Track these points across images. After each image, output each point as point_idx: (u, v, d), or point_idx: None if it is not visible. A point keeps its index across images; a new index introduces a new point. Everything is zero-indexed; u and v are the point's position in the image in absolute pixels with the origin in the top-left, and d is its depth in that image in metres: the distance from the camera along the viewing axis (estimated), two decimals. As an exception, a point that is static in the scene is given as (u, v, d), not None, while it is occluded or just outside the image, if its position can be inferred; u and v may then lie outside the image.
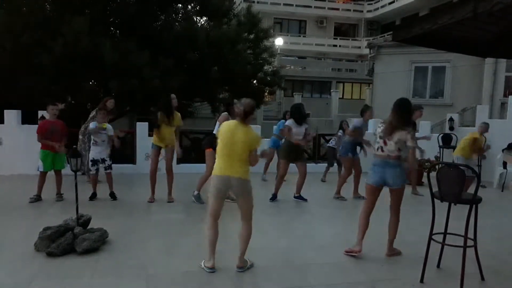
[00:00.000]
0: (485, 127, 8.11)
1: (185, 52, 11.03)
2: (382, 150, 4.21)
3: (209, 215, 3.87)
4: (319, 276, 3.84)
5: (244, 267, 3.89)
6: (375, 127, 4.38)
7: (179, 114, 6.49)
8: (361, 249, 4.32)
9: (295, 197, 6.86)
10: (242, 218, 3.89)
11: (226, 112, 6.03)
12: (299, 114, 6.62)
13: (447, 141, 9.60)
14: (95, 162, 6.47)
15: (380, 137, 4.23)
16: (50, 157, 6.29)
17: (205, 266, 3.85)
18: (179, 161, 9.09)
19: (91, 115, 7.53)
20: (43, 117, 7.92)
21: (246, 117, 3.79)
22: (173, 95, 6.40)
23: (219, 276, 3.74)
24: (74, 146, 5.44)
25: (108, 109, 7.17)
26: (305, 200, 6.81)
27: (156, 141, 6.36)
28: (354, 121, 7.02)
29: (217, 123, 5.92)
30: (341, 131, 8.25)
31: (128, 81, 9.64)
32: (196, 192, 6.40)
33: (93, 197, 6.50)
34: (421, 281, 3.72)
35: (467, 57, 7.93)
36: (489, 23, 3.83)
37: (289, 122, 6.66)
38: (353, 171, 7.12)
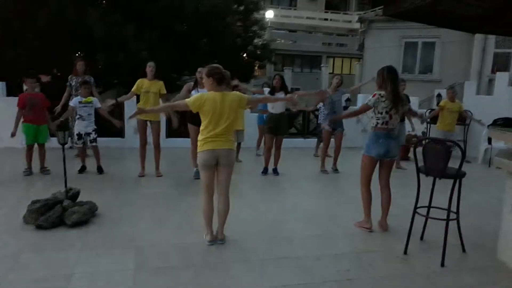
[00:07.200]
0: (452, 93, 8.28)
1: (172, 24, 10.79)
2: (387, 124, 4.19)
3: (205, 190, 3.80)
4: (305, 247, 3.92)
5: (225, 238, 3.95)
6: (368, 100, 4.28)
7: (161, 82, 6.35)
8: (372, 226, 4.37)
9: (272, 169, 6.92)
10: (221, 191, 3.86)
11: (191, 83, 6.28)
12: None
13: (434, 117, 9.68)
14: (80, 136, 6.45)
15: (387, 112, 4.15)
16: (33, 130, 6.22)
17: (206, 239, 3.88)
18: (169, 135, 9.04)
19: (68, 83, 7.54)
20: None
21: (222, 82, 3.76)
22: (150, 63, 6.31)
23: (206, 248, 3.80)
24: (62, 119, 5.35)
25: (79, 74, 7.28)
26: (277, 173, 6.87)
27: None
28: None
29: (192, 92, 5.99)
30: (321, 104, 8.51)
31: (114, 54, 9.45)
32: (195, 169, 6.23)
33: (82, 170, 6.49)
34: (405, 252, 3.82)
35: (456, 33, 7.93)
36: (480, -1, 3.81)
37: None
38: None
